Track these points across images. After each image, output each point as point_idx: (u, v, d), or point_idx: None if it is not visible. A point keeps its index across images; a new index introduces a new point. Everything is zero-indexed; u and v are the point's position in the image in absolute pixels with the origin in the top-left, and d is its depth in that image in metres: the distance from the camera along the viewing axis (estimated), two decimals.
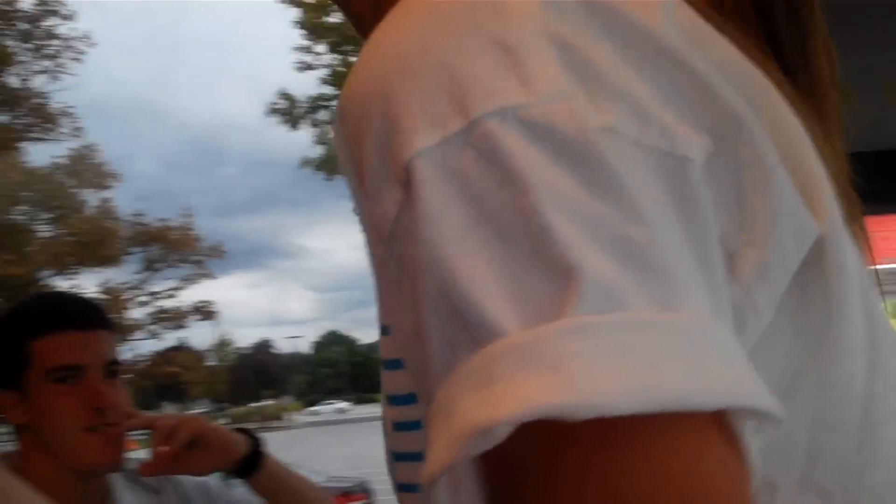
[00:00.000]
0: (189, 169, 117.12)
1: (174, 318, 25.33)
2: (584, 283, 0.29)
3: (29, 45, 16.86)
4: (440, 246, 0.31)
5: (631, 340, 0.29)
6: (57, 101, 18.03)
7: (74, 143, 20.18)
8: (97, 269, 21.29)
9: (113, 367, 1.40)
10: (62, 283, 19.87)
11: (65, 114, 17.97)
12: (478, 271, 0.30)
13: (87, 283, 21.61)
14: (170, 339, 37.17)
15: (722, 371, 0.30)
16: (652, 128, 0.33)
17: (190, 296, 33.89)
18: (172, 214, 28.39)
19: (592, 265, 0.30)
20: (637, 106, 0.33)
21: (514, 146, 0.31)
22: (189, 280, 25.18)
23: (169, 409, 31.42)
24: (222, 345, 49.40)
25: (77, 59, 17.51)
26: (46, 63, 17.28)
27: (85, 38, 17.72)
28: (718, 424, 0.30)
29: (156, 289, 24.71)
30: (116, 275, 23.11)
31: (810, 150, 0.39)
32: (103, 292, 21.59)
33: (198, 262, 25.11)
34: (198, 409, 36.88)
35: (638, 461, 0.29)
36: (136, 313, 24.11)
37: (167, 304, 25.12)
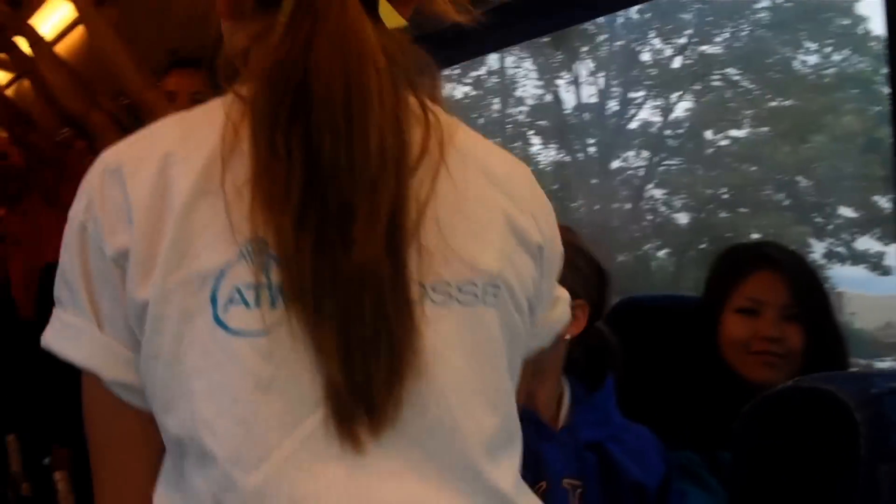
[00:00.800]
0: None
1: None
2: (57, 293, 0.76)
3: None
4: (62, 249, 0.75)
5: (54, 321, 0.75)
6: None
7: None
8: None
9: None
10: None
11: None
12: (63, 267, 0.75)
13: None
14: None
15: (70, 344, 0.74)
16: (99, 230, 0.72)
17: None
18: None
19: (59, 290, 0.76)
20: (100, 217, 0.72)
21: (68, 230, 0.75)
22: None
23: None
24: None
25: None
26: None
27: None
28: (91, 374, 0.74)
29: None
30: None
31: (175, 237, 0.69)
32: None
33: None
34: None
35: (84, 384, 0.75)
36: None
37: None
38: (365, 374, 0.66)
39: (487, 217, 0.75)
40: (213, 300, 0.68)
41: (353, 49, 0.68)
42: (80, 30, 2.98)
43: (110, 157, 0.74)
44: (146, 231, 0.69)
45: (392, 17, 0.71)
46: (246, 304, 0.67)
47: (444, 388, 0.70)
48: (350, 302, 0.66)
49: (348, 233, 0.66)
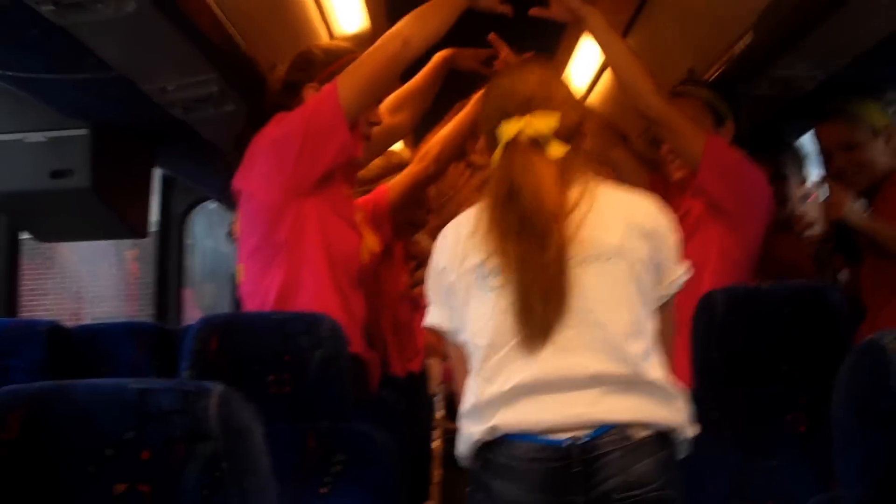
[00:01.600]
0: None
1: None
2: (427, 296, 1.60)
3: None
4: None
5: (428, 309, 1.58)
6: None
7: None
8: None
9: None
10: None
11: None
12: (427, 282, 1.59)
13: None
14: None
15: (434, 317, 1.57)
16: (437, 260, 1.56)
17: None
18: None
19: (427, 294, 1.59)
20: (438, 256, 1.58)
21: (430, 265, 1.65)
22: None
23: None
24: None
25: None
26: None
27: None
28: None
29: None
30: None
31: (463, 249, 1.50)
32: None
33: None
34: None
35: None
36: None
37: None
38: (539, 310, 1.40)
39: (614, 221, 1.45)
40: (479, 276, 1.46)
41: (532, 170, 1.45)
42: (607, 78, 3.26)
43: (443, 230, 1.57)
44: (450, 254, 1.51)
45: (558, 150, 1.48)
46: (493, 276, 1.44)
47: (594, 304, 1.41)
48: (534, 274, 1.39)
49: (544, 243, 1.40)
